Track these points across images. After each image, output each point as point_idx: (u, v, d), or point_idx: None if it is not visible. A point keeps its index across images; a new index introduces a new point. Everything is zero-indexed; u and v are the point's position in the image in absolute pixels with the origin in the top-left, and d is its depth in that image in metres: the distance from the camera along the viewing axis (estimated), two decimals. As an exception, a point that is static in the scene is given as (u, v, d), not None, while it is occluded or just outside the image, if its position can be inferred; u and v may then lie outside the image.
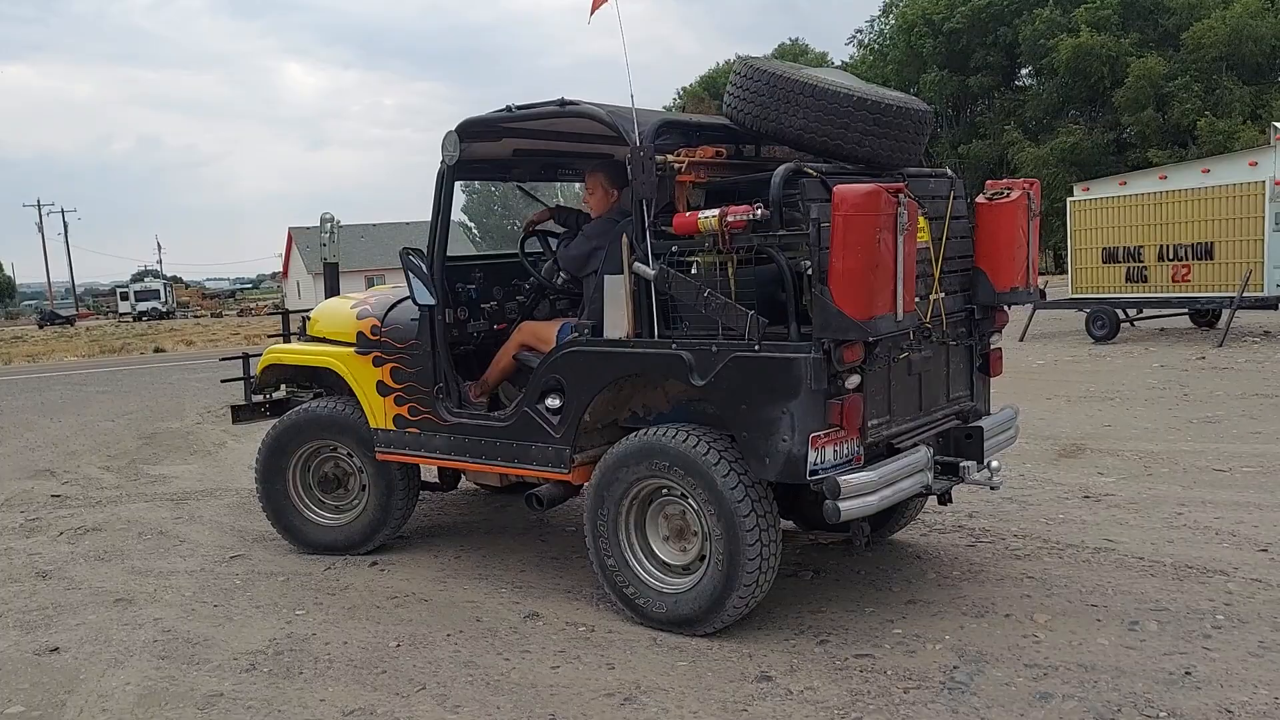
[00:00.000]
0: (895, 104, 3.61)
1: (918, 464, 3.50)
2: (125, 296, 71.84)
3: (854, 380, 3.31)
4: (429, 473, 4.77)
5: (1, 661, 3.45)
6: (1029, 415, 7.37)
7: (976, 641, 3.29)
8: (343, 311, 4.75)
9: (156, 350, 26.05)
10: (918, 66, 44.16)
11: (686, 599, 3.44)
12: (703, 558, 3.44)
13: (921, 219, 3.48)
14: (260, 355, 5.09)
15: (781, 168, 3.37)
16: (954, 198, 3.87)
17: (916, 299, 3.42)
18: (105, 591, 4.18)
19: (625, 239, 3.59)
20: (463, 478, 4.83)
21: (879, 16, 49.53)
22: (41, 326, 64.09)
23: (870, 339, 3.23)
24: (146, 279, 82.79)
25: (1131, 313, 12.71)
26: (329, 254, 4.44)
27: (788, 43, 59.23)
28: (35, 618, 3.90)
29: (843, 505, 3.17)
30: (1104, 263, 12.63)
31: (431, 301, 4.06)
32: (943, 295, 3.71)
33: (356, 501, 4.57)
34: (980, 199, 3.94)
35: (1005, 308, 4.11)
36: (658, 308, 3.56)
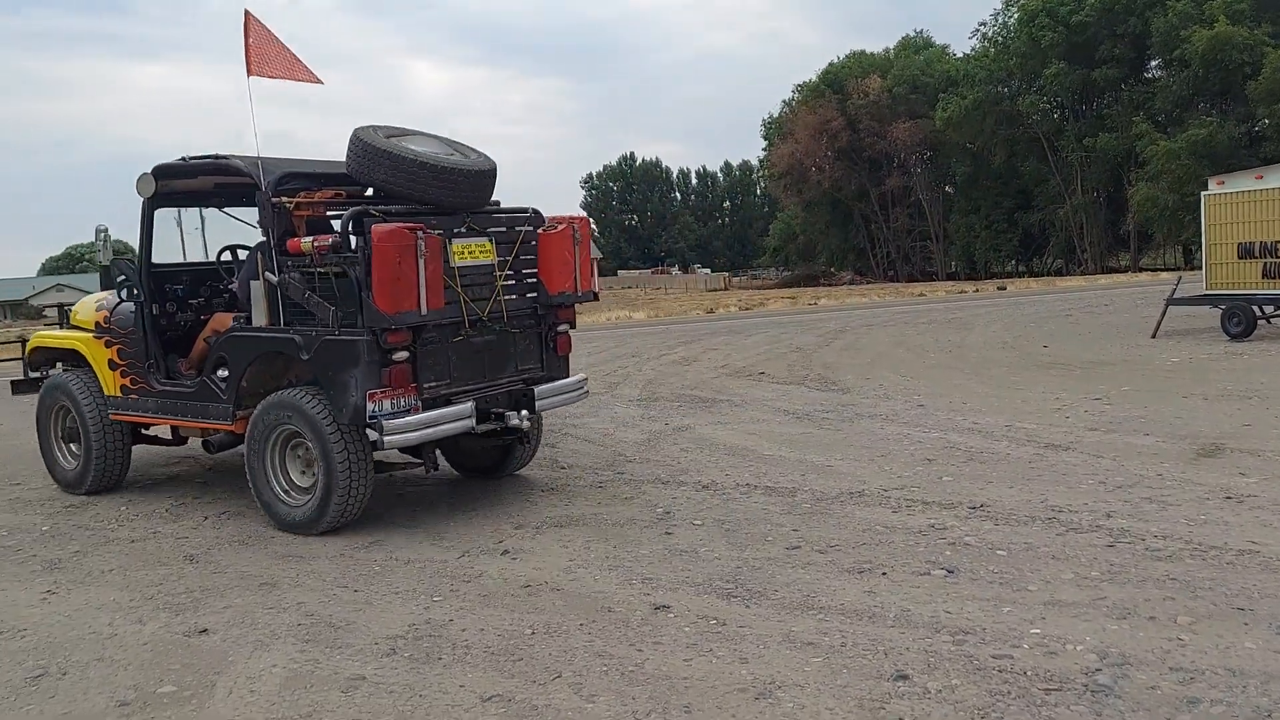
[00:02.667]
0: (455, 166, 5.15)
1: (461, 413, 5.00)
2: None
3: (402, 355, 4.82)
4: (163, 431, 6.17)
5: (153, 642, 3.63)
6: (1164, 414, 7.10)
7: (1119, 644, 3.18)
8: (89, 305, 6.36)
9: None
10: (1040, 59, 42.97)
11: (302, 510, 5.02)
12: (316, 483, 4.96)
13: (485, 242, 5.24)
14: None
15: (351, 210, 4.85)
16: (529, 229, 5.52)
17: (479, 300, 5.16)
18: (250, 575, 4.36)
19: (260, 255, 5.22)
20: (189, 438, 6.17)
21: (1002, 9, 48.31)
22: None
23: (396, 328, 4.71)
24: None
25: (1268, 309, 12.10)
26: (103, 258, 5.96)
27: (912, 34, 58.09)
28: (184, 600, 4.09)
29: (386, 438, 4.70)
30: (1239, 258, 12.10)
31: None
32: (509, 297, 5.35)
33: (82, 451, 6.14)
34: (540, 230, 5.55)
35: (572, 306, 5.79)
36: (282, 305, 5.07)
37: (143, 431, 6.33)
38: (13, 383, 7.89)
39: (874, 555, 4.19)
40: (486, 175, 5.36)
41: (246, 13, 5.34)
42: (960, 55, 52.62)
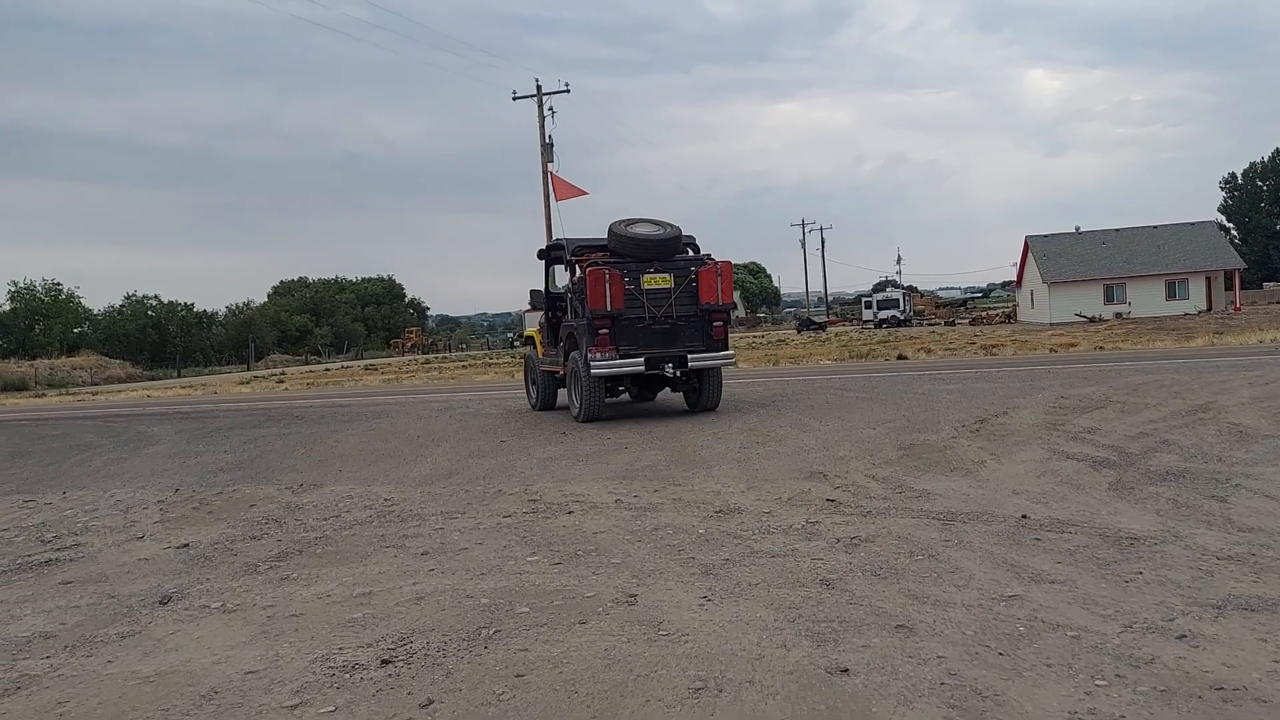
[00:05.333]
0: (648, 237, 12.03)
1: (636, 363, 11.78)
2: (868, 305, 77.83)
3: (604, 331, 11.64)
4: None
5: (797, 673, 3.60)
6: None
7: None
8: (530, 323, 16.17)
9: (899, 357, 27.38)
10: None
11: (574, 407, 12.31)
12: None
13: (666, 276, 11.95)
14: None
15: (586, 263, 12.20)
16: (694, 268, 12.05)
17: (659, 306, 11.93)
18: (885, 613, 4.22)
19: (571, 290, 13.17)
20: None
21: None
22: (799, 331, 72.48)
23: (596, 317, 11.53)
24: (887, 288, 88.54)
25: None
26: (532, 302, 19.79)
27: None
28: (824, 630, 4.05)
29: (593, 370, 11.79)
30: None
31: None
32: (681, 307, 12.09)
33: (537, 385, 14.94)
34: (700, 269, 12.00)
35: (725, 311, 12.34)
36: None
37: (557, 375, 13.63)
38: (514, 340, 14.06)
39: None
40: (670, 240, 12.19)
41: (553, 173, 11.68)
42: None
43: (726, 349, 12.49)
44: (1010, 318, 69.00)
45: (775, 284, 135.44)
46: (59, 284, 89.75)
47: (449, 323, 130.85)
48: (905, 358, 27.00)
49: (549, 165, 40.34)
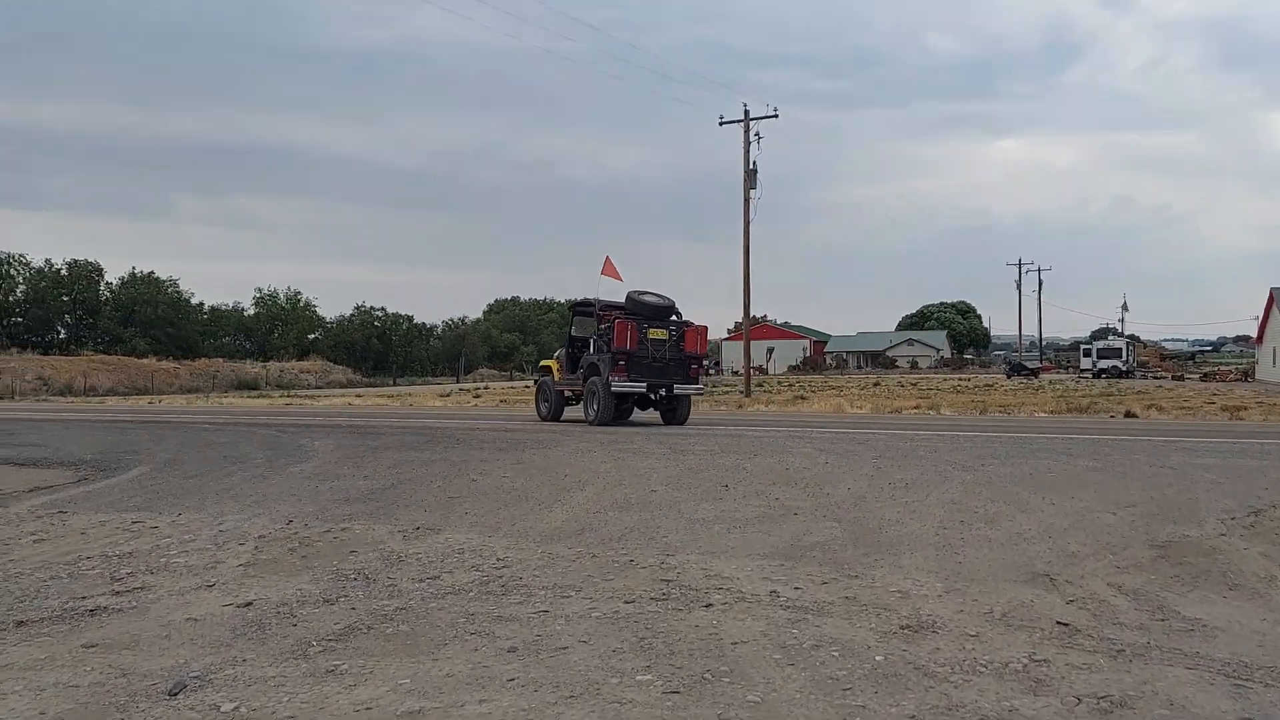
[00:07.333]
0: (653, 303, 19.74)
1: (639, 386, 18.90)
2: (1088, 353, 72.30)
3: (622, 363, 18.63)
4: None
5: None
6: None
7: None
8: (552, 356, 22.90)
9: (1126, 415, 24.39)
10: None
11: (591, 414, 19.37)
12: (598, 405, 19.22)
13: (664, 330, 19.44)
14: None
15: (611, 316, 19.61)
16: (682, 326, 19.82)
17: (657, 349, 19.33)
18: None
19: (595, 336, 20.13)
20: None
21: None
22: (1009, 376, 68.07)
23: (618, 353, 18.71)
24: (1109, 336, 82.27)
25: None
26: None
27: None
28: None
29: (614, 388, 18.62)
30: None
31: None
32: (672, 351, 19.45)
33: (547, 402, 21.70)
34: (686, 328, 19.90)
35: (699, 359, 20.21)
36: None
37: (565, 395, 20.77)
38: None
39: None
40: (668, 307, 19.79)
41: (607, 258, 22.01)
42: None
43: (698, 384, 20.42)
44: (1247, 375, 62.29)
45: (985, 325, 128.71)
46: (299, 292, 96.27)
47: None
48: (1134, 415, 23.89)
49: (750, 192, 39.09)
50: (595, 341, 19.67)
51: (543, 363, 22.94)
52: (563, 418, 20.91)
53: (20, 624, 5.01)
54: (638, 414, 20.82)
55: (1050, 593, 5.45)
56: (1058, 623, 4.86)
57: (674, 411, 19.76)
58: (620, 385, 18.46)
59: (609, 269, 22.11)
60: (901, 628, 4.75)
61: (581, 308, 21.24)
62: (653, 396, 19.43)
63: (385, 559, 6.42)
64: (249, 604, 5.32)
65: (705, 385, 20.67)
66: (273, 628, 4.88)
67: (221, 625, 4.94)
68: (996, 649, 4.43)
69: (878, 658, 4.29)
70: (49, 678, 4.18)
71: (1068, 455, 12.34)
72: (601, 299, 20.28)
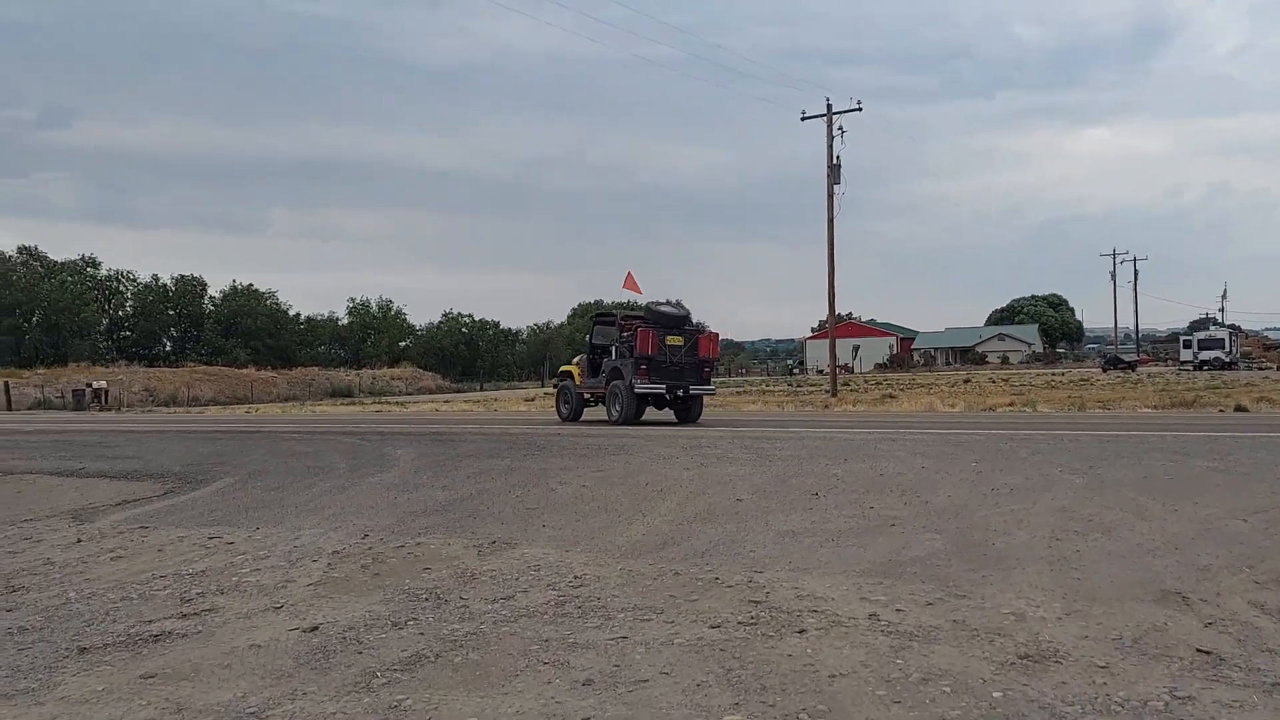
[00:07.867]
0: (671, 313, 21.64)
1: (659, 388, 20.80)
2: (1188, 344, 69.50)
3: (645, 366, 20.46)
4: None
5: None
6: None
7: None
8: (573, 361, 24.56)
9: (1237, 409, 23.09)
10: None
11: (613, 414, 21.60)
12: (621, 406, 21.50)
13: (680, 336, 21.27)
14: None
15: (634, 325, 21.93)
16: (697, 332, 21.77)
17: (674, 353, 21.08)
18: None
19: (617, 343, 22.50)
20: None
21: None
22: (1104, 370, 65.68)
23: (642, 357, 20.70)
24: (1211, 327, 78.91)
25: None
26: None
27: None
28: None
29: (637, 389, 20.68)
30: None
31: None
32: (688, 356, 21.33)
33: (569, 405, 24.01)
34: (699, 334, 21.74)
35: (711, 362, 22.46)
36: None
37: (585, 397, 22.59)
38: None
39: None
40: (684, 317, 21.73)
41: (629, 272, 27.35)
42: None
43: (710, 385, 22.48)
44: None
45: (1078, 318, 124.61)
46: (390, 301, 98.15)
47: (733, 347, 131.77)
48: (1245, 409, 22.57)
49: (834, 187, 38.25)
50: (618, 348, 21.81)
51: (562, 368, 24.49)
52: (581, 418, 22.87)
53: (83, 650, 4.84)
54: (652, 412, 22.52)
55: (1184, 614, 4.89)
56: (1198, 650, 4.32)
57: (688, 410, 21.74)
58: (643, 387, 20.51)
59: (630, 283, 24.13)
60: (1020, 657, 4.26)
61: (603, 318, 24.27)
62: (669, 397, 21.24)
63: (459, 576, 6.14)
64: (315, 628, 5.07)
65: (717, 387, 25.57)
66: (337, 655, 4.61)
67: (285, 653, 4.69)
68: (1131, 682, 3.93)
69: (995, 694, 3.82)
70: (103, 713, 3.97)
71: (1183, 454, 11.49)
72: (621, 309, 23.31)
